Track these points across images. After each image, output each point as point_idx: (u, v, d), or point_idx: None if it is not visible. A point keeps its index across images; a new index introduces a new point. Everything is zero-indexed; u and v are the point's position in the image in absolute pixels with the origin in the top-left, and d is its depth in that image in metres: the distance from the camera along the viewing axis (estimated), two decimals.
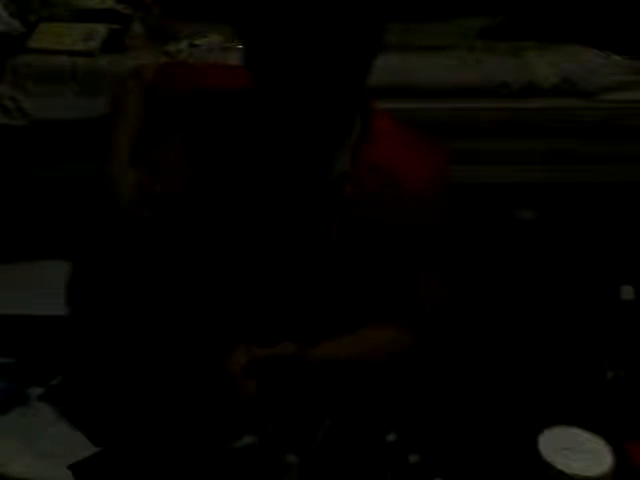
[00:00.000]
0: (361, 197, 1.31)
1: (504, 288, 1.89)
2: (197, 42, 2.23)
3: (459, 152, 1.96)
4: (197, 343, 1.36)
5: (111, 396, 1.34)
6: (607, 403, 1.35)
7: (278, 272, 1.36)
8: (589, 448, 1.15)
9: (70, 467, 1.25)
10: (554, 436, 1.16)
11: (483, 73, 2.10)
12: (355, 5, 1.17)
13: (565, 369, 1.45)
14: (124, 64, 2.02)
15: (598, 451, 1.14)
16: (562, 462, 1.11)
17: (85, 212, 1.44)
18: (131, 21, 2.28)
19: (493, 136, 2.10)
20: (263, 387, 1.24)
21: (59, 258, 1.69)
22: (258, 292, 1.38)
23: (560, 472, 1.11)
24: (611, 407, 1.34)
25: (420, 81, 2.09)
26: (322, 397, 1.30)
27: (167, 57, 2.13)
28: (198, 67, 1.63)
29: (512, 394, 1.38)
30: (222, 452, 1.23)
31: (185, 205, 1.36)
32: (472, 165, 2.06)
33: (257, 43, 1.19)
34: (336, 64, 1.17)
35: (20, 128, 2.08)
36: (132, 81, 1.49)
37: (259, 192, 1.34)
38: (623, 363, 1.43)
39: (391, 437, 1.25)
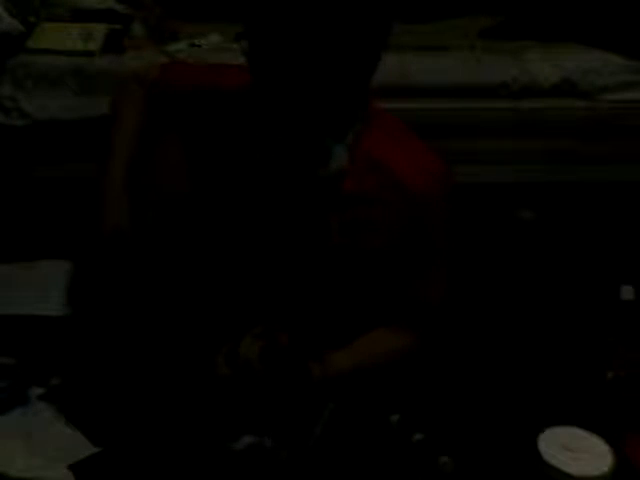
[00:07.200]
0: (360, 194, 1.31)
1: (504, 288, 1.88)
2: (197, 42, 2.23)
3: (459, 152, 1.96)
4: (197, 343, 1.36)
5: (111, 396, 1.34)
6: (607, 403, 1.35)
7: (278, 270, 1.36)
8: (589, 448, 1.15)
9: (70, 467, 1.25)
10: (554, 436, 1.16)
11: (483, 73, 2.10)
12: (361, 7, 1.18)
13: (565, 369, 1.45)
14: (124, 64, 2.02)
15: (598, 451, 1.14)
16: (562, 462, 1.11)
17: (84, 216, 1.44)
18: (131, 21, 2.28)
19: (493, 136, 2.10)
20: (264, 385, 1.24)
21: (59, 258, 1.69)
22: (258, 291, 1.38)
23: (560, 472, 1.11)
24: (611, 407, 1.33)
25: (419, 81, 2.09)
26: (324, 389, 1.30)
27: (167, 57, 2.13)
28: (198, 67, 1.63)
29: (512, 394, 1.37)
30: (222, 452, 1.23)
31: (185, 204, 1.37)
32: (472, 165, 2.06)
33: (263, 43, 1.19)
34: (341, 64, 1.18)
35: (20, 128, 2.08)
36: (133, 84, 1.49)
37: (258, 190, 1.34)
38: (623, 363, 1.43)
39: (395, 417, 1.25)
